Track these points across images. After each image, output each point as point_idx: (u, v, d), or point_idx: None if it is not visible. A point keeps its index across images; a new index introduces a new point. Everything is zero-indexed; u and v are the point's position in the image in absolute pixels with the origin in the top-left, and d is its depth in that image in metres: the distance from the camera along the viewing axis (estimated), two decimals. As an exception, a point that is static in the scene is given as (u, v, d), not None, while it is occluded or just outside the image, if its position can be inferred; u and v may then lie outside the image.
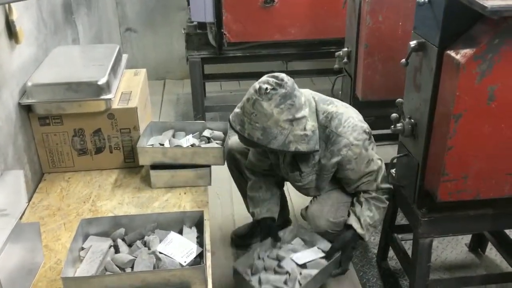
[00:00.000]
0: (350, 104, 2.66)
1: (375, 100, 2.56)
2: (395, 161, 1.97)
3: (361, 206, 1.98)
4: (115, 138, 2.17)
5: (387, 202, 2.01)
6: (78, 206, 1.98)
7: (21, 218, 1.58)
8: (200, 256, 1.38)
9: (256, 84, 1.78)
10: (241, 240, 2.47)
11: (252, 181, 2.18)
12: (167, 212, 1.67)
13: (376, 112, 2.62)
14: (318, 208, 2.03)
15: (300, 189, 2.07)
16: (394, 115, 1.86)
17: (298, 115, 1.81)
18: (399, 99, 1.88)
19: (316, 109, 1.91)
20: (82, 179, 2.17)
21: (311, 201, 2.12)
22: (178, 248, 1.38)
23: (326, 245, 2.02)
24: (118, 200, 2.02)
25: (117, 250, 1.41)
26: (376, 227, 2.09)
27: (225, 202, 2.80)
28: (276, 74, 1.82)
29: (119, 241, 1.43)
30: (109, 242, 1.43)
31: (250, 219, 2.50)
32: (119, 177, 2.19)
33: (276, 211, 2.16)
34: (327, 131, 1.88)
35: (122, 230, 1.46)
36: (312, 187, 2.02)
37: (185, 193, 2.07)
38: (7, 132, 1.86)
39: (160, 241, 1.42)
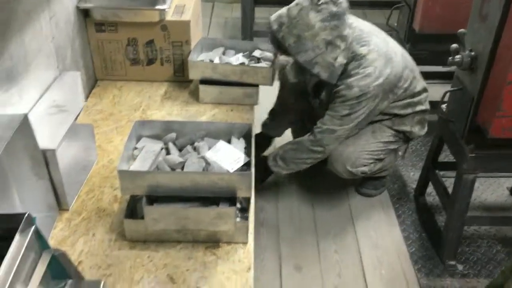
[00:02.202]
0: (404, 37, 2.59)
1: (431, 33, 2.47)
2: (447, 95, 1.92)
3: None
4: (167, 50, 2.20)
5: (309, 154, 2.00)
6: (129, 113, 2.05)
7: (76, 119, 1.65)
8: (246, 165, 1.42)
9: None
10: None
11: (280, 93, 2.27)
12: (217, 121, 1.72)
13: (430, 46, 2.55)
14: (339, 151, 2.03)
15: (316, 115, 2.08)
16: (453, 45, 1.79)
17: (336, 42, 1.78)
18: (461, 30, 1.80)
19: (349, 47, 1.85)
20: (133, 88, 2.23)
21: None
22: (226, 156, 1.43)
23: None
24: (167, 111, 2.08)
25: (168, 153, 1.47)
26: (286, 164, 2.05)
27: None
28: None
29: (170, 145, 1.48)
30: (161, 144, 1.48)
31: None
32: (168, 89, 2.24)
33: (277, 131, 2.37)
34: (346, 68, 1.85)
35: (173, 135, 1.51)
36: None
37: (232, 110, 2.11)
38: (66, 35, 1.91)
39: (209, 148, 1.47)
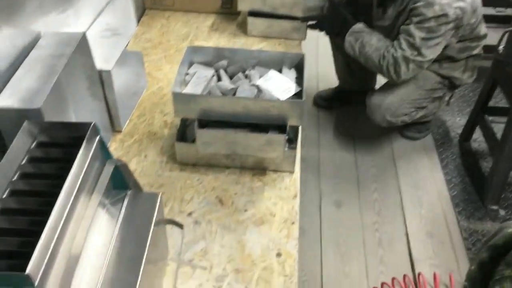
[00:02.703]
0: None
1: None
2: (505, 36, 1.84)
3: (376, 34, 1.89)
4: (216, -20, 2.16)
5: (384, 68, 1.85)
6: (177, 43, 2.05)
7: (126, 46, 1.67)
8: (297, 95, 1.42)
9: None
10: (324, 102, 2.51)
11: None
12: (268, 50, 1.71)
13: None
14: (379, 100, 1.98)
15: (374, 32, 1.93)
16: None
17: None
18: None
19: None
20: (181, 19, 2.22)
21: (378, 88, 2.08)
22: (277, 84, 1.42)
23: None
24: (214, 43, 2.08)
25: (219, 79, 1.47)
26: (359, 51, 1.89)
27: (311, 62, 2.78)
28: None
29: (221, 71, 1.49)
30: (212, 71, 1.49)
31: (334, 84, 2.51)
32: (215, 21, 2.22)
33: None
34: None
35: (224, 62, 1.51)
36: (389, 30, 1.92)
37: (279, 44, 2.08)
38: (118, -41, 1.89)
39: (260, 77, 1.46)
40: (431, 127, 2.37)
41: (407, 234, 1.90)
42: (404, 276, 1.70)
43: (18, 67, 1.23)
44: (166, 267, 1.20)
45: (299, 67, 1.50)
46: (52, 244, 0.80)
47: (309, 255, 1.81)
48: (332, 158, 2.24)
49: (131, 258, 0.98)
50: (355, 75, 2.35)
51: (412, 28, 1.77)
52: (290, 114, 1.34)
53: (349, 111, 2.47)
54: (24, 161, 0.96)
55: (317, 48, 2.80)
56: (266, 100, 1.35)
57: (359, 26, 1.90)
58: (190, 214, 1.34)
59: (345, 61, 2.28)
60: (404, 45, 1.80)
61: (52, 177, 0.92)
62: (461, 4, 1.74)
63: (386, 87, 2.03)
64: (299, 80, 1.47)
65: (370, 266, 1.78)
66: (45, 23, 1.39)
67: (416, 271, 1.74)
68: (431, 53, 1.80)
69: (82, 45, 1.36)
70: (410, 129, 2.32)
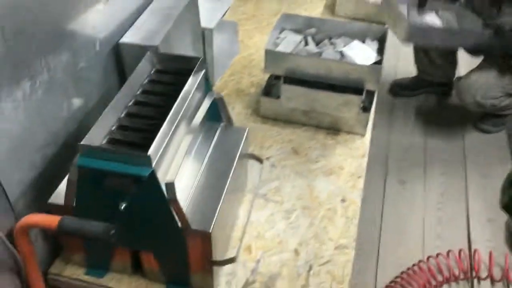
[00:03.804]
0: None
1: None
2: None
3: None
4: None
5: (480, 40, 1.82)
6: (269, 17, 2.24)
7: (223, 16, 1.87)
8: (377, 63, 1.55)
9: None
10: (401, 90, 2.58)
11: None
12: (354, 22, 1.84)
13: None
14: (469, 82, 2.02)
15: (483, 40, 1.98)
16: None
17: None
18: None
19: None
20: (274, -4, 2.41)
21: (468, 71, 2.11)
22: (360, 53, 1.56)
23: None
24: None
25: (306, 44, 1.64)
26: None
27: (391, 53, 2.85)
28: None
29: (309, 38, 1.65)
30: (301, 36, 1.65)
31: (412, 74, 2.58)
32: (306, 1, 2.38)
33: None
34: None
35: (312, 30, 1.67)
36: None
37: (363, 26, 2.20)
38: None
39: (345, 45, 1.61)
40: (507, 123, 2.38)
41: (467, 217, 1.95)
42: (460, 250, 1.77)
43: (140, 14, 1.47)
44: (244, 197, 1.38)
45: (381, 40, 1.62)
46: (165, 142, 1.00)
47: (369, 224, 1.92)
48: (401, 141, 2.32)
49: (216, 183, 1.15)
50: (434, 64, 2.41)
51: None
52: (368, 78, 1.47)
53: (426, 101, 2.52)
54: (145, 82, 1.17)
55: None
56: (347, 63, 1.49)
57: None
58: (268, 158, 1.52)
59: (424, 50, 2.35)
60: None
61: (166, 95, 1.13)
62: None
63: (478, 70, 2.06)
64: (380, 51, 1.59)
65: (427, 239, 1.87)
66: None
67: (472, 249, 1.80)
68: None
69: (192, 2, 1.58)
70: (486, 121, 2.35)
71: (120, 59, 1.36)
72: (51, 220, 0.97)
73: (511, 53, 1.91)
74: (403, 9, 1.70)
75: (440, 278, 1.72)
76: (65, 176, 1.11)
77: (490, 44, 1.87)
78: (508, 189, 0.68)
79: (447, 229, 1.93)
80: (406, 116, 2.49)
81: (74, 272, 1.18)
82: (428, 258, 1.76)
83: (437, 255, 1.78)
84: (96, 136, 1.01)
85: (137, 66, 1.19)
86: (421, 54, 2.44)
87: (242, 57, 1.98)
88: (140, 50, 1.29)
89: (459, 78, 2.11)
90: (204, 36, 1.69)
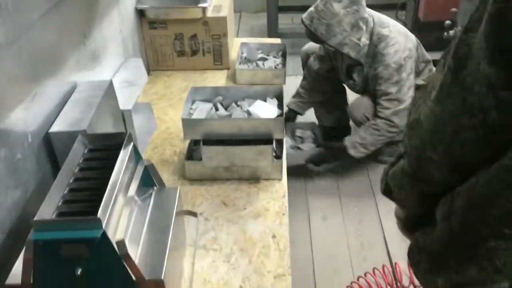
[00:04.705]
0: (412, 25, 2.97)
1: (434, 21, 2.84)
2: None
3: (361, 128, 2.39)
4: (208, 43, 2.62)
5: (386, 135, 2.33)
6: (179, 94, 2.47)
7: (139, 94, 2.07)
8: (279, 116, 1.81)
9: None
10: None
11: (305, 80, 2.71)
12: (254, 86, 2.11)
13: (434, 34, 2.92)
14: (358, 103, 2.43)
15: (355, 91, 2.49)
16: (447, 22, 2.16)
17: (359, 24, 2.18)
18: (453, 9, 2.17)
19: (372, 30, 2.26)
20: (180, 76, 2.66)
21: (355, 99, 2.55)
22: (263, 109, 1.82)
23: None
24: (209, 92, 2.49)
25: (216, 110, 1.87)
26: (367, 148, 2.38)
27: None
28: None
29: (218, 104, 1.88)
30: (211, 104, 1.89)
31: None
32: (209, 75, 2.65)
33: (302, 109, 2.75)
34: (376, 50, 2.25)
35: (220, 97, 1.91)
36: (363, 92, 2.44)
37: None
38: (128, 29, 2.36)
39: (249, 105, 1.86)
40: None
41: (384, 238, 2.22)
42: (383, 266, 2.01)
43: (64, 105, 1.62)
44: (185, 250, 1.52)
45: (279, 97, 1.90)
46: (109, 206, 1.14)
47: (302, 259, 2.11)
48: (317, 186, 2.60)
49: (159, 238, 1.28)
50: (332, 113, 2.79)
51: (383, 89, 2.26)
52: (274, 129, 1.72)
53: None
54: (81, 160, 1.31)
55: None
56: (255, 119, 1.74)
57: (348, 140, 2.41)
58: (201, 213, 1.67)
59: (320, 103, 2.73)
60: (386, 104, 2.28)
61: (102, 169, 1.27)
62: (406, 53, 2.25)
63: (363, 96, 2.49)
64: (280, 106, 1.86)
65: (355, 263, 2.09)
66: (80, 75, 1.80)
67: (393, 264, 2.05)
68: (410, 90, 2.27)
69: (109, 89, 1.76)
70: (383, 154, 2.70)
71: (51, 147, 1.49)
72: (13, 298, 1.05)
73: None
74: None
75: (372, 293, 1.93)
76: (14, 261, 1.19)
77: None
78: (384, 179, 0.86)
79: (370, 251, 2.17)
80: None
81: None
82: (358, 278, 1.98)
83: (365, 274, 2.01)
84: (46, 212, 1.12)
85: (67, 150, 1.33)
86: (318, 106, 2.81)
87: (160, 131, 2.16)
88: (69, 136, 1.43)
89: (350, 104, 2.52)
90: (124, 117, 1.86)
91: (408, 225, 0.91)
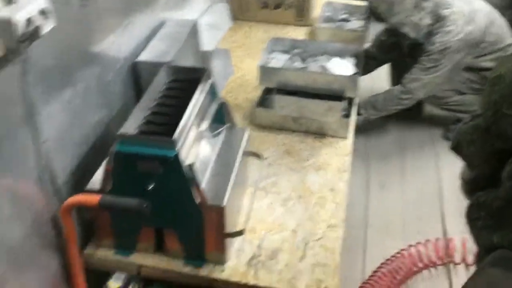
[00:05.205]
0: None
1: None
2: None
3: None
4: (291, -3, 2.63)
5: (397, 101, 2.34)
6: (258, 45, 2.51)
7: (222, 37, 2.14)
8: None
9: None
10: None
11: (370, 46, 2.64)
12: (333, 43, 2.12)
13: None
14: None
15: None
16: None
17: (421, 4, 2.13)
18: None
19: (434, 10, 2.18)
20: (261, 28, 2.70)
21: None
22: (339, 67, 1.83)
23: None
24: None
25: (294, 62, 1.90)
26: (376, 109, 2.39)
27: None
28: None
29: (296, 57, 1.91)
30: (289, 56, 1.92)
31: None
32: (290, 31, 2.67)
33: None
34: (431, 29, 2.19)
35: (298, 50, 1.94)
36: None
37: (342, 50, 2.49)
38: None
39: (326, 61, 1.88)
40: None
41: (442, 213, 2.19)
42: (437, 239, 2.00)
43: (152, 39, 1.72)
44: (246, 190, 1.60)
45: (357, 57, 1.90)
46: (185, 132, 1.23)
47: (356, 223, 2.14)
48: (381, 151, 2.59)
49: (225, 171, 1.35)
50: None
51: (422, 60, 2.26)
52: (347, 87, 1.73)
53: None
54: (163, 88, 1.41)
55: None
56: (329, 74, 1.76)
57: (363, 99, 2.41)
58: (265, 159, 1.74)
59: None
60: (414, 71, 2.28)
61: (181, 98, 1.36)
62: (460, 36, 2.19)
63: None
64: (357, 65, 1.86)
65: (408, 233, 2.09)
66: (169, 13, 1.89)
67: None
68: (439, 72, 2.25)
69: (194, 29, 1.84)
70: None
71: (137, 74, 1.60)
72: (93, 199, 1.18)
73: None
74: None
75: (420, 264, 1.94)
76: (94, 172, 1.32)
77: None
78: (456, 135, 0.89)
79: (425, 224, 2.16)
80: (383, 130, 2.77)
81: (105, 253, 1.37)
82: (409, 246, 1.99)
83: (417, 244, 2.01)
84: (129, 128, 1.23)
85: (151, 79, 1.43)
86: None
87: (236, 77, 2.23)
88: (154, 66, 1.53)
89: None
90: (204, 58, 1.94)
91: (472, 187, 0.93)
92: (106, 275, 1.33)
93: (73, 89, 1.28)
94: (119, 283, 1.11)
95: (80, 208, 1.30)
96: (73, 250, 1.27)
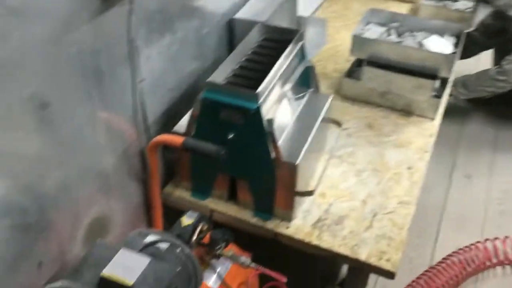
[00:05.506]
0: None
1: None
2: None
3: None
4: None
5: (490, 83, 2.22)
6: (356, 16, 2.46)
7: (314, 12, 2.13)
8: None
9: None
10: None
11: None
12: (434, 20, 2.04)
13: None
14: None
15: None
16: None
17: None
18: None
19: None
20: (362, 0, 2.64)
21: None
22: (437, 45, 1.76)
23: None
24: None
25: (389, 35, 1.85)
26: (466, 88, 2.28)
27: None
28: None
29: (392, 30, 1.86)
30: (385, 29, 1.88)
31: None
32: (391, 5, 2.59)
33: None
34: None
35: (396, 24, 1.88)
36: None
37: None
38: None
39: (424, 38, 1.81)
40: None
41: (530, 212, 2.06)
42: (517, 236, 1.89)
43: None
44: (321, 156, 1.62)
45: (458, 36, 1.81)
46: (268, 88, 1.27)
47: (432, 208, 2.08)
48: (471, 137, 2.46)
49: (302, 133, 1.38)
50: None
51: None
52: (442, 66, 1.67)
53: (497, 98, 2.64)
54: (255, 46, 1.46)
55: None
56: (425, 51, 1.70)
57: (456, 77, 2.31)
58: (345, 129, 1.74)
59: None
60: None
61: (271, 56, 1.40)
62: None
63: None
64: (456, 45, 1.78)
65: (487, 227, 2.00)
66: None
67: (531, 240, 1.91)
68: None
69: (293, -7, 1.86)
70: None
71: (232, 31, 1.66)
72: (177, 139, 1.27)
73: None
74: None
75: (495, 260, 1.86)
76: (182, 116, 1.41)
77: None
78: None
79: (507, 220, 2.05)
80: (478, 121, 2.62)
81: (182, 194, 1.48)
82: (486, 240, 1.91)
83: (495, 238, 1.92)
84: (217, 78, 1.30)
85: (244, 37, 1.48)
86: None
87: (329, 48, 2.23)
88: (249, 24, 1.58)
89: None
90: (299, 23, 1.96)
91: None
92: (180, 212, 1.43)
93: (172, 37, 1.37)
94: (192, 220, 1.20)
95: (165, 148, 1.41)
96: (155, 185, 1.38)
